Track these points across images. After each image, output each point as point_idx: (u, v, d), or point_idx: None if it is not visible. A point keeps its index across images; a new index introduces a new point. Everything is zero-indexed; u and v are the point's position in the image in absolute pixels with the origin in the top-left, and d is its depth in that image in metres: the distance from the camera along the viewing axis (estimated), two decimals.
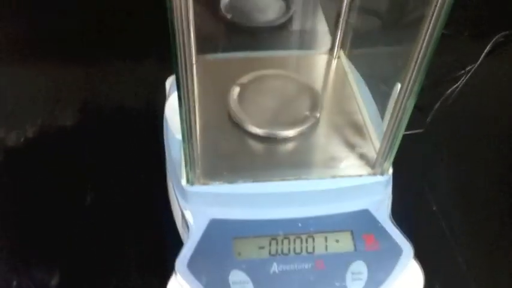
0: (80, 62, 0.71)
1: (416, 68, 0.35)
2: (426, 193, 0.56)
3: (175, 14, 0.30)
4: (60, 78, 0.68)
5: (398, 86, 0.40)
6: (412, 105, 0.38)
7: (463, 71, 0.70)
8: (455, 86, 0.67)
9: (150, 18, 0.58)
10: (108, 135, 0.60)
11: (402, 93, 0.37)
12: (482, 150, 0.62)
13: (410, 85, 0.36)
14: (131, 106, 0.65)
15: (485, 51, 0.70)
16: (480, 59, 0.70)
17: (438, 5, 0.31)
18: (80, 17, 0.78)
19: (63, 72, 0.69)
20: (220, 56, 0.58)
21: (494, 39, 0.72)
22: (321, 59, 0.57)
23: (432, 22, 0.32)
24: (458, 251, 0.50)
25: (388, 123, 0.40)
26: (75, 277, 0.47)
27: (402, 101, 0.38)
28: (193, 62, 0.57)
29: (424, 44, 0.33)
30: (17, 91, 0.66)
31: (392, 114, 0.39)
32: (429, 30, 0.33)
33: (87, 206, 0.53)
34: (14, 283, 0.46)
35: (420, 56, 0.34)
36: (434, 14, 0.32)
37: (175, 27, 0.30)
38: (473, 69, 0.68)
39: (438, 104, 0.65)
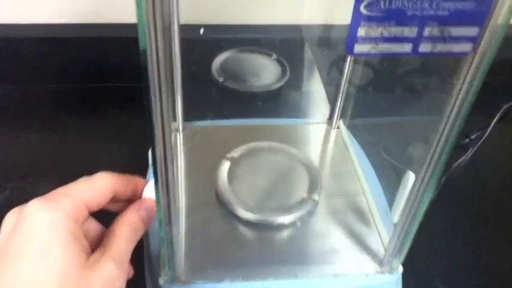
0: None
1: (435, 156, 0.30)
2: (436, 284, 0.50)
3: (151, 73, 0.23)
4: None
5: (410, 175, 0.35)
6: (429, 196, 0.33)
7: (467, 140, 0.65)
8: (464, 156, 0.62)
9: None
10: None
11: (418, 183, 0.32)
12: (495, 231, 0.57)
13: (428, 174, 0.31)
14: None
15: (494, 120, 0.66)
16: (489, 129, 0.66)
17: (467, 81, 0.26)
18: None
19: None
20: (210, 123, 0.53)
21: (503, 108, 0.68)
22: (319, 129, 0.52)
23: (459, 100, 0.27)
24: None
25: (400, 216, 0.35)
26: None
27: (417, 193, 0.32)
28: (180, 129, 0.52)
29: (447, 128, 0.28)
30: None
31: (404, 207, 0.34)
32: (455, 109, 0.27)
33: None
34: None
35: (442, 140, 0.29)
36: (462, 91, 0.27)
37: (152, 90, 0.24)
38: (481, 141, 0.64)
39: (444, 178, 0.60)
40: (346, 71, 0.48)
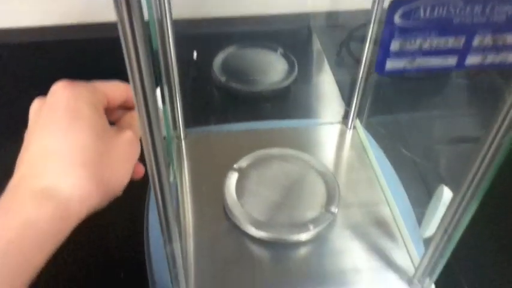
0: None
1: (481, 168, 0.25)
2: None
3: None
4: None
5: (445, 191, 0.31)
6: (471, 214, 0.28)
7: None
8: None
9: None
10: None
11: (457, 200, 0.28)
12: None
13: (471, 190, 0.27)
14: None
15: None
16: None
17: None
18: None
19: None
20: (214, 128, 0.49)
21: None
22: (333, 131, 0.48)
23: None
24: None
25: (435, 233, 0.30)
26: None
27: (456, 210, 0.28)
28: (182, 137, 0.48)
29: (500, 134, 0.23)
30: None
31: (440, 224, 0.30)
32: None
33: None
34: None
35: (491, 149, 0.24)
36: None
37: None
38: None
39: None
40: (363, 61, 0.43)
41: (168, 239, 0.28)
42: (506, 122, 0.23)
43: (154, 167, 0.23)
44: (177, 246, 0.29)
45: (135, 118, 0.32)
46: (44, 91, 0.31)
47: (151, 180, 0.24)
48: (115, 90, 0.32)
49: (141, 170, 0.33)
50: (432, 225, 0.32)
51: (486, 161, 0.24)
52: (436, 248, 0.31)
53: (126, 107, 0.34)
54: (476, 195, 0.26)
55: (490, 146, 0.24)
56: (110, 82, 0.32)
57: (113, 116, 0.33)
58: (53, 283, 0.44)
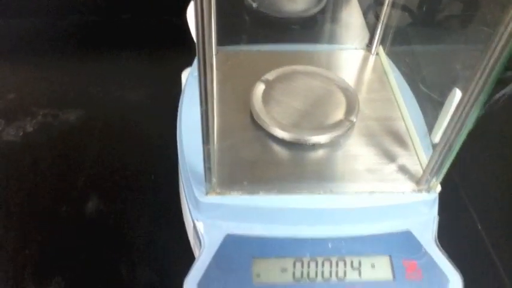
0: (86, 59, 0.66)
1: (486, 72, 0.28)
2: (468, 209, 0.50)
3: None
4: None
5: (457, 92, 0.34)
6: (475, 117, 0.31)
7: (510, 73, 0.63)
8: (506, 89, 0.60)
9: None
10: (116, 134, 0.55)
11: (464, 102, 0.31)
12: None
13: (475, 92, 0.30)
14: (141, 101, 0.59)
15: None
16: None
17: None
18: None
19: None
20: (244, 48, 0.52)
21: None
22: (357, 55, 0.51)
23: None
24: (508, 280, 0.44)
25: (443, 135, 0.34)
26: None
27: (462, 112, 0.31)
28: (213, 53, 0.51)
29: (501, 43, 0.27)
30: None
31: (448, 125, 0.33)
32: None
33: (87, 212, 0.47)
34: None
35: (494, 57, 0.28)
36: None
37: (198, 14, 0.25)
38: None
39: (483, 111, 0.58)
40: None
41: (206, 135, 0.32)
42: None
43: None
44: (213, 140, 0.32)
45: None
46: None
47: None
48: None
49: None
50: (441, 130, 0.35)
51: (494, 56, 0.27)
52: (443, 148, 0.34)
53: None
54: (481, 94, 0.29)
55: (498, 41, 0.27)
56: None
57: None
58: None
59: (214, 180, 0.36)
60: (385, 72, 0.48)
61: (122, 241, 0.45)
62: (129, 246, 0.45)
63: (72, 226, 0.46)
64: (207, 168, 0.35)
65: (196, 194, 0.37)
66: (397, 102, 0.45)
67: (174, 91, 0.49)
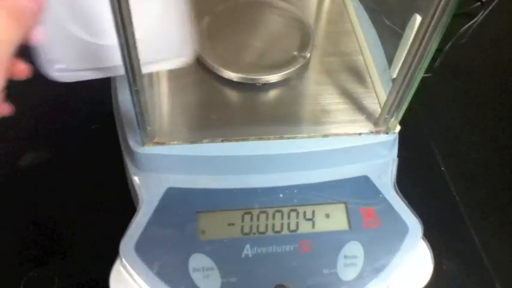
0: None
1: None
2: (433, 151, 0.47)
3: None
4: None
5: (417, 17, 0.30)
6: (436, 45, 0.28)
7: (479, 3, 0.59)
8: (471, 22, 0.57)
9: None
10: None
11: (424, 27, 0.27)
12: (498, 101, 0.53)
13: (436, 16, 0.26)
14: None
15: None
16: None
17: None
18: None
19: None
20: None
21: None
22: None
23: None
24: (473, 226, 0.42)
25: (401, 68, 0.30)
26: None
27: (423, 39, 0.27)
28: None
29: None
30: None
31: (407, 56, 0.29)
32: None
33: (27, 166, 0.43)
34: None
35: None
36: None
37: None
38: (494, 3, 0.58)
39: (449, 45, 0.54)
40: None
41: (132, 74, 0.27)
42: None
43: None
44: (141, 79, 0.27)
45: None
46: None
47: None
48: None
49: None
50: (401, 61, 0.32)
51: None
52: (401, 83, 0.31)
53: None
54: (443, 17, 0.26)
55: None
56: None
57: None
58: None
59: (149, 128, 0.32)
60: (344, 3, 0.44)
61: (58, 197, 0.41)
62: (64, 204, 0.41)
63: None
64: (139, 114, 0.30)
65: (132, 144, 0.33)
66: (356, 34, 0.41)
67: None
